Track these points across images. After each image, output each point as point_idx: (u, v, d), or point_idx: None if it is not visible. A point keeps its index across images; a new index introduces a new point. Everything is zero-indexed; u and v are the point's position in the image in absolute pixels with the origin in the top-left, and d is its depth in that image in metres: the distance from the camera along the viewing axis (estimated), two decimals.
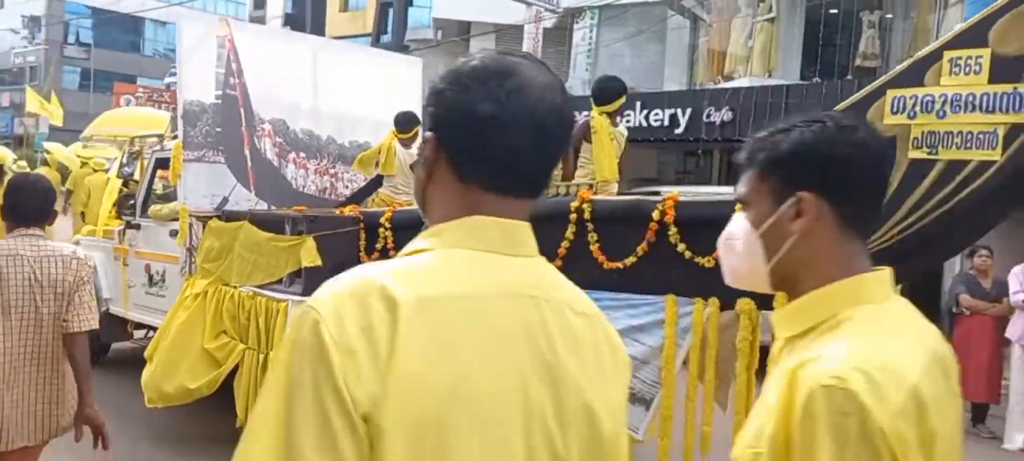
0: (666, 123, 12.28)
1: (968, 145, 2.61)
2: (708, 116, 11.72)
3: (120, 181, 7.26)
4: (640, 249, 3.35)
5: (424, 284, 0.89)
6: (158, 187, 6.46)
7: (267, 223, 4.87)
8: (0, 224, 3.16)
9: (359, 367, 0.82)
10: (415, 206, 1.14)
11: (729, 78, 13.76)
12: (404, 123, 5.36)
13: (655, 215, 3.29)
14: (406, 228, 4.05)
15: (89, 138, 12.49)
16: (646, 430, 3.34)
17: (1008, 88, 2.53)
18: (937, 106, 2.68)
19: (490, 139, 0.96)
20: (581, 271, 3.23)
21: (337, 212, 4.76)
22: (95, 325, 2.93)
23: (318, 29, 26.81)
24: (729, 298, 3.10)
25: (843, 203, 1.12)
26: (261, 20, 31.13)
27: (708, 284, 3.04)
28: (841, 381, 0.96)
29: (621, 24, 16.70)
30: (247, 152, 5.26)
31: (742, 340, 3.12)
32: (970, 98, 2.60)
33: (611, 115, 4.34)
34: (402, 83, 6.13)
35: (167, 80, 7.77)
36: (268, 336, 4.44)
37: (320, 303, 0.87)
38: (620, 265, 3.40)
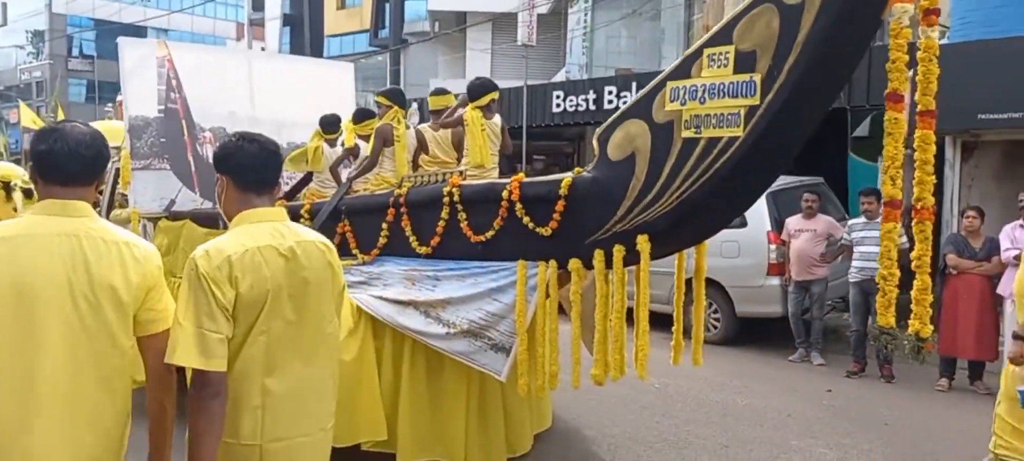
0: None
1: (721, 124, 3.22)
2: None
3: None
4: (496, 224, 3.94)
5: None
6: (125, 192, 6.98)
7: (204, 220, 5.44)
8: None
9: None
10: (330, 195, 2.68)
11: None
12: (328, 125, 5.92)
13: (504, 195, 3.88)
14: (315, 214, 4.79)
15: None
16: (507, 371, 3.90)
17: (746, 77, 3.13)
18: (700, 94, 3.27)
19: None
20: (455, 244, 4.16)
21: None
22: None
23: (317, 28, 26.96)
24: (563, 260, 3.71)
25: (235, 177, 2.22)
26: (260, 22, 31.28)
27: (547, 249, 3.75)
28: (195, 254, 2.08)
29: (615, 6, 16.73)
30: (190, 158, 5.76)
31: (573, 292, 3.78)
32: (721, 86, 3.22)
33: (483, 109, 4.78)
34: (335, 88, 6.67)
35: (119, 98, 8.36)
36: None
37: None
38: (483, 238, 4.00)
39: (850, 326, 7.13)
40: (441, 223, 4.17)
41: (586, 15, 17.05)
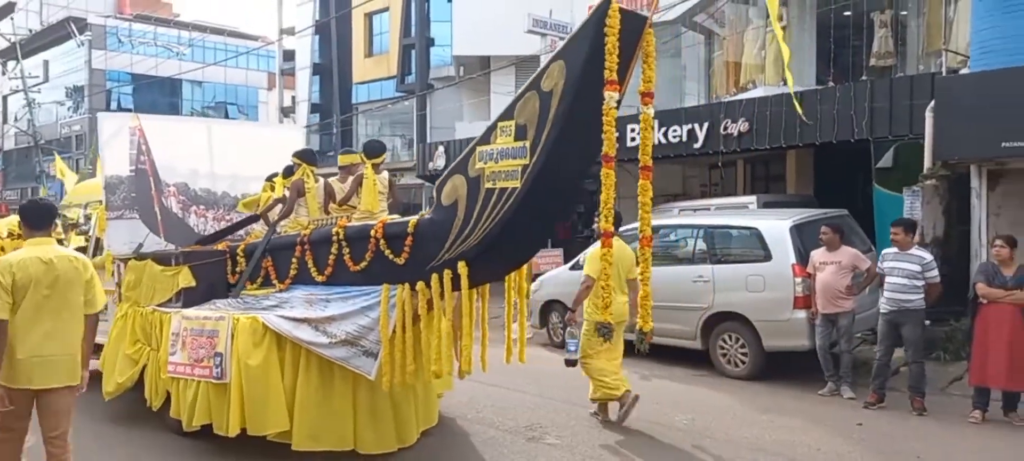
0: (685, 138, 12.42)
1: (507, 178, 4.40)
2: (725, 128, 11.84)
3: (82, 237, 9.63)
4: (368, 256, 5.18)
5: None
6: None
7: (163, 259, 6.48)
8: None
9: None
10: (258, 239, 6.03)
11: (746, 89, 13.86)
12: (271, 177, 7.23)
13: (373, 233, 5.13)
14: (250, 254, 6.12)
15: (67, 205, 13.85)
16: (375, 372, 5.01)
17: (521, 144, 4.34)
18: (495, 155, 4.47)
19: None
20: (343, 272, 5.40)
21: (214, 247, 6.58)
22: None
23: (345, 76, 27.62)
24: (413, 282, 4.88)
25: (26, 221, 4.33)
26: (291, 72, 32.06)
27: (402, 275, 4.96)
28: None
29: None
30: (157, 209, 6.60)
31: (422, 306, 4.92)
32: (507, 150, 4.41)
33: (375, 166, 5.98)
34: (286, 146, 7.48)
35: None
36: (160, 338, 6.05)
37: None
38: (360, 267, 5.25)
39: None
40: (332, 256, 5.44)
41: None
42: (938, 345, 8.23)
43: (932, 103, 8.81)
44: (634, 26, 4.20)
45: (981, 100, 8.17)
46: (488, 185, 4.47)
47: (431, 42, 23.79)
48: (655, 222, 9.73)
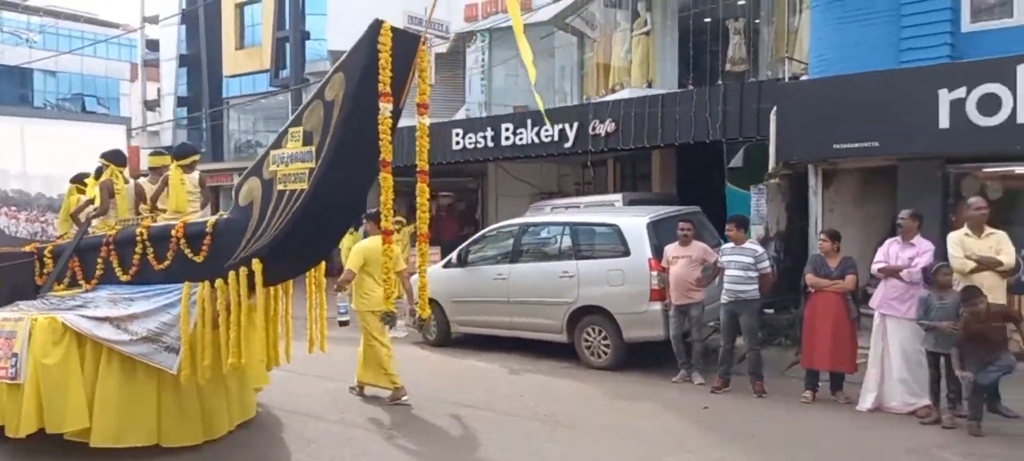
0: (556, 138, 12.75)
1: (296, 181, 4.78)
2: (594, 129, 12.25)
3: None
4: (170, 255, 5.49)
5: None
6: None
7: None
8: None
9: None
10: (66, 240, 6.26)
11: (614, 90, 14.40)
12: (77, 178, 7.18)
13: (173, 233, 5.46)
14: (59, 256, 6.24)
15: None
16: (177, 367, 5.29)
17: (308, 148, 4.75)
18: (286, 159, 4.86)
19: None
20: (147, 271, 5.65)
21: (22, 248, 6.73)
22: None
23: (215, 69, 26.41)
24: (213, 280, 5.17)
25: None
26: (155, 63, 30.33)
27: (202, 273, 5.26)
28: None
29: (511, 46, 17.20)
30: None
31: (220, 302, 5.22)
32: (297, 154, 4.81)
33: (184, 167, 6.18)
34: (107, 144, 7.45)
35: None
36: None
37: None
38: (163, 266, 5.55)
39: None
40: (136, 256, 5.72)
41: (483, 54, 17.48)
42: (780, 332, 8.91)
43: (776, 107, 9.51)
44: (408, 44, 4.71)
45: (817, 105, 8.88)
46: (280, 187, 4.85)
47: (306, 35, 23.16)
48: (525, 220, 10.06)
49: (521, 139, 13.15)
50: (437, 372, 8.40)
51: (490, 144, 13.52)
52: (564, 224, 9.27)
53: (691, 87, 13.28)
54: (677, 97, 11.65)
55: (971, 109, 7.59)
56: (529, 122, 12.99)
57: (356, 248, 7.06)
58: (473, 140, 13.73)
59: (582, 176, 16.74)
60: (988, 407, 5.91)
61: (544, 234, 9.51)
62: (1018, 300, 7.29)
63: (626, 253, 8.34)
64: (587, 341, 8.53)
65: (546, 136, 12.85)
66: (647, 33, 14.05)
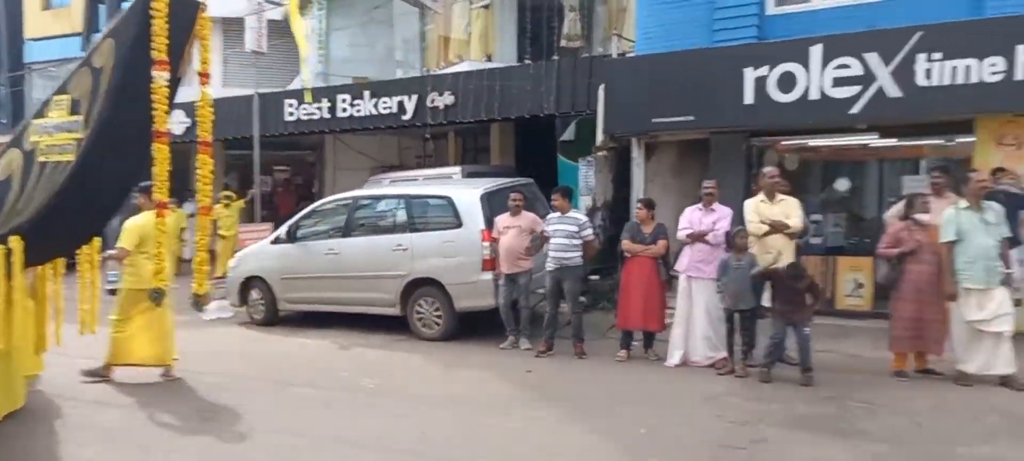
0: (395, 110, 12.56)
1: (62, 152, 4.54)
2: (432, 101, 12.17)
3: None
4: None
5: None
6: None
7: None
8: None
9: None
10: None
11: (453, 63, 14.37)
12: None
13: None
14: None
15: None
16: None
17: (76, 118, 4.56)
18: (50, 129, 4.60)
19: None
20: None
21: None
22: None
23: (15, 30, 23.73)
24: None
25: None
26: None
27: None
28: None
29: (350, 14, 16.72)
30: None
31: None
32: (63, 124, 4.55)
33: None
34: None
35: None
36: None
37: None
38: None
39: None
40: None
41: (321, 22, 16.83)
42: (603, 297, 9.33)
43: (604, 83, 9.87)
44: (187, 10, 4.57)
45: (639, 81, 9.31)
46: (41, 158, 4.61)
47: None
48: (358, 193, 9.84)
49: (359, 111, 12.85)
50: (262, 353, 8.08)
51: (326, 115, 13.11)
52: (398, 197, 9.16)
53: (528, 62, 13.50)
54: (514, 71, 11.79)
55: (772, 87, 8.25)
56: (367, 93, 12.71)
57: (130, 225, 6.40)
58: (308, 111, 13.24)
59: (423, 149, 16.63)
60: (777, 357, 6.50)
61: (378, 207, 9.37)
62: (807, 260, 8.05)
63: (459, 225, 8.38)
64: (419, 313, 8.51)
65: (385, 108, 12.63)
66: (487, 6, 14.11)
